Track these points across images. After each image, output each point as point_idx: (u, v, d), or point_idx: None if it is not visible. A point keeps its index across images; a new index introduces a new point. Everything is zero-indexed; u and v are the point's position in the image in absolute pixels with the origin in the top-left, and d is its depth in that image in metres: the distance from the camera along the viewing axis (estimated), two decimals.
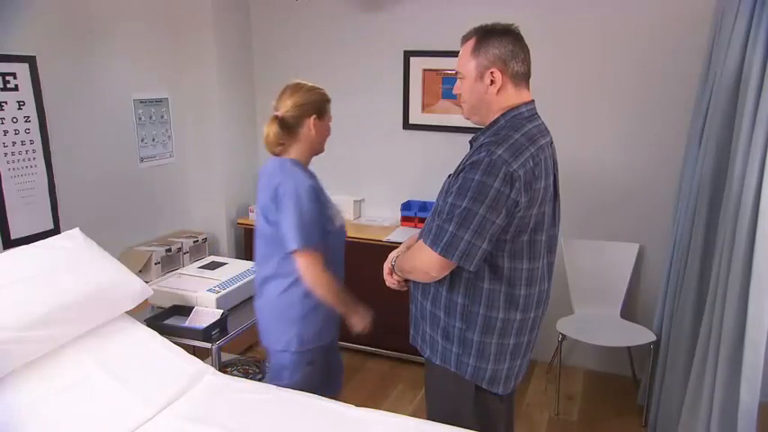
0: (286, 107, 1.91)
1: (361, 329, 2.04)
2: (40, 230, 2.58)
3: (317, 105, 1.95)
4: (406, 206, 3.35)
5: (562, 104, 3.04)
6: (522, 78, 1.57)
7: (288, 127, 1.93)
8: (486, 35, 1.55)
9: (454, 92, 1.66)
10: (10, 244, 2.44)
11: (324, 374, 2.14)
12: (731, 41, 2.06)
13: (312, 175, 2.00)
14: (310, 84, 1.98)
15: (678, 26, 2.78)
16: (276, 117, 1.92)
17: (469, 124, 1.70)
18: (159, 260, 3.01)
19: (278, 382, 2.02)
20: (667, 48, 2.82)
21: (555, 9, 2.96)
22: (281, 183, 1.87)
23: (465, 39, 1.60)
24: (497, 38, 1.53)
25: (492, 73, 1.54)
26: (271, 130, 1.93)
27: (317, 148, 2.02)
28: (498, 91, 1.55)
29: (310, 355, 2.03)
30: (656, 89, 2.89)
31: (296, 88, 1.95)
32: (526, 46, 1.57)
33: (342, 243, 2.10)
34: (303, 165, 1.98)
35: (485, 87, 1.55)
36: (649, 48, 2.85)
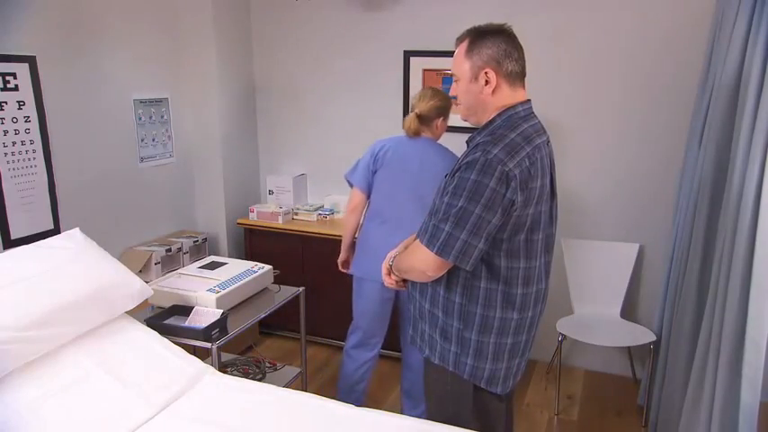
0: (423, 108, 2.43)
1: None
2: (40, 230, 2.58)
3: (446, 110, 2.47)
4: None
5: (562, 104, 3.04)
6: (517, 78, 1.57)
7: (423, 121, 2.45)
8: (478, 36, 1.55)
9: (451, 94, 1.67)
10: (10, 244, 2.44)
11: None
12: (731, 42, 2.06)
13: None
14: (444, 92, 2.49)
15: (678, 26, 2.78)
16: (416, 114, 2.44)
17: (468, 124, 1.70)
18: (159, 260, 3.01)
19: None
20: (667, 48, 2.82)
21: (555, 10, 2.96)
22: (452, 155, 2.43)
23: (459, 41, 1.61)
24: (490, 38, 1.54)
25: (486, 73, 1.54)
26: (412, 122, 2.45)
27: (438, 138, 2.54)
28: (493, 91, 1.55)
29: None
30: (656, 89, 2.89)
31: (434, 94, 2.46)
32: (520, 45, 1.57)
33: None
34: None
35: (480, 88, 1.56)
36: (649, 48, 2.85)
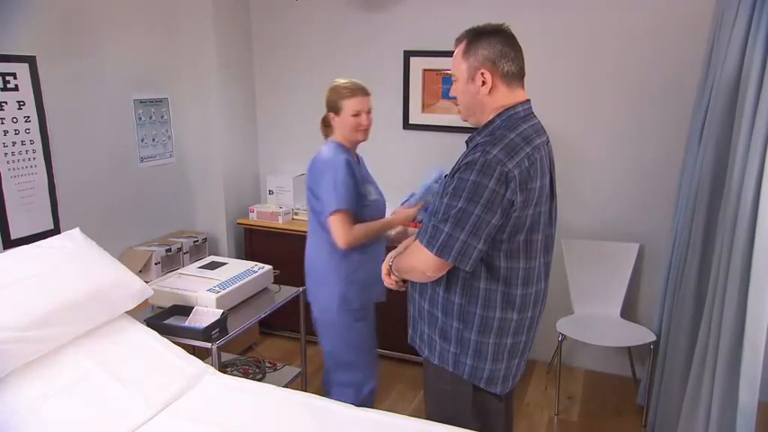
0: None
1: (413, 216, 2.31)
2: (40, 230, 2.58)
3: (330, 104, 2.24)
4: None
5: (562, 105, 3.04)
6: (515, 78, 1.57)
7: (323, 120, 2.31)
8: (475, 37, 1.56)
9: (451, 94, 1.68)
10: (10, 244, 2.44)
11: (371, 331, 2.41)
12: (731, 41, 2.06)
13: (350, 155, 2.24)
14: (337, 83, 2.25)
15: (678, 26, 2.78)
16: None
17: (468, 124, 1.70)
18: (159, 260, 3.01)
19: (329, 336, 2.34)
20: (667, 47, 2.82)
21: (555, 9, 2.96)
22: (316, 158, 2.21)
23: (457, 41, 1.61)
24: (486, 39, 1.54)
25: (482, 74, 1.54)
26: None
27: (348, 138, 2.25)
28: (490, 91, 1.55)
29: (357, 314, 2.30)
30: (656, 89, 2.89)
31: (329, 88, 2.24)
32: (518, 45, 1.57)
33: (378, 215, 2.31)
34: (344, 146, 2.25)
35: (476, 88, 1.56)
36: (649, 48, 2.85)
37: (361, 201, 2.20)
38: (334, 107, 2.22)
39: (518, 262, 1.56)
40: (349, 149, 2.26)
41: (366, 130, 2.24)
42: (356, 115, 2.19)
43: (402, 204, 2.35)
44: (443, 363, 1.66)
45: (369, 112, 2.24)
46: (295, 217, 3.53)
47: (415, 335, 1.77)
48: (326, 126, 2.33)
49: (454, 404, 1.70)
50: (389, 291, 1.88)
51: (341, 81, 2.24)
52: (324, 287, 2.28)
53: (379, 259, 2.24)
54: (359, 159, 2.35)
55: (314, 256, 2.32)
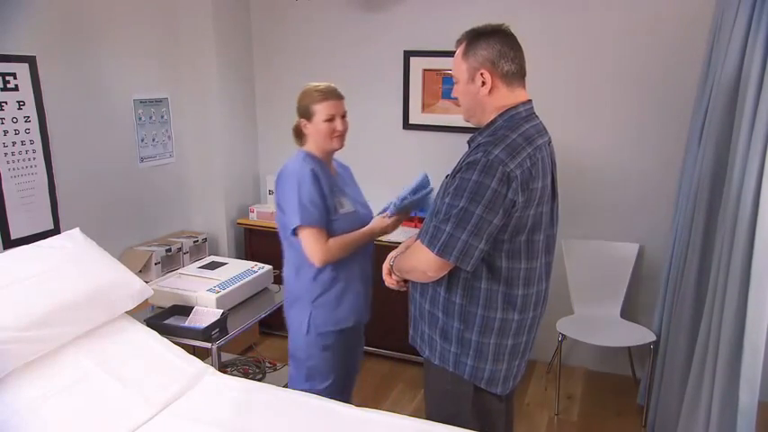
0: None
1: (391, 227, 2.13)
2: (40, 230, 2.58)
3: (301, 110, 2.09)
4: None
5: (562, 105, 3.04)
6: (515, 78, 1.57)
7: (295, 129, 2.15)
8: (475, 38, 1.57)
9: (452, 95, 1.68)
10: (10, 244, 2.44)
11: (343, 359, 2.19)
12: (731, 41, 2.06)
13: (322, 166, 2.08)
14: (308, 86, 2.10)
15: (678, 26, 2.78)
16: None
17: (469, 124, 1.70)
18: (159, 260, 3.01)
19: (294, 364, 2.19)
20: (667, 48, 2.82)
21: (554, 9, 2.96)
22: (282, 169, 2.05)
23: (457, 43, 1.62)
24: (485, 39, 1.55)
25: (482, 74, 1.55)
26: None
27: (321, 146, 2.08)
28: (490, 91, 1.56)
29: (324, 339, 2.11)
30: (656, 89, 2.89)
31: (300, 92, 2.09)
32: (518, 45, 1.57)
33: (352, 228, 2.07)
34: (316, 156, 2.09)
35: (476, 89, 1.57)
36: (649, 48, 2.85)
37: (328, 214, 2.01)
38: (305, 113, 2.05)
39: (519, 262, 1.56)
40: (320, 159, 2.09)
41: (341, 137, 2.07)
42: (330, 120, 2.02)
43: (379, 214, 2.16)
44: (444, 363, 1.66)
45: (344, 116, 2.07)
46: None
47: (415, 335, 1.77)
48: (299, 136, 2.15)
49: (455, 404, 1.70)
50: (389, 291, 1.87)
51: (313, 84, 2.09)
52: (291, 310, 2.14)
53: (352, 280, 2.09)
54: (336, 170, 2.19)
55: (285, 275, 2.15)
